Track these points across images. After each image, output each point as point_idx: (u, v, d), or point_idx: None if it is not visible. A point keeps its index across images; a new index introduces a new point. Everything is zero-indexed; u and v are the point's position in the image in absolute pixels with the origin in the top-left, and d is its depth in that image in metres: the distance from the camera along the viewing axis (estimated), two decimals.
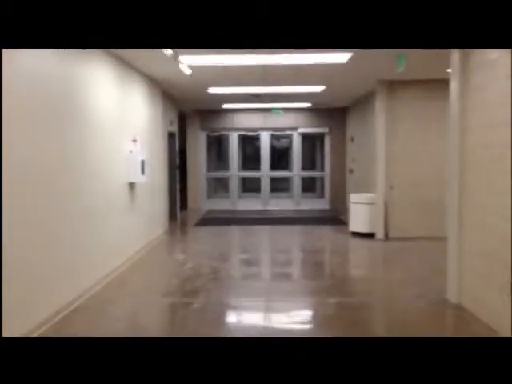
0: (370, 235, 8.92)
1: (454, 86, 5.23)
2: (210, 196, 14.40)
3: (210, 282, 6.03)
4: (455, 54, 5.15)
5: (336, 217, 11.85)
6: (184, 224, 11.10)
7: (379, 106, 8.84)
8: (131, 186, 7.24)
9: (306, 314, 4.99)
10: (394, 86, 8.79)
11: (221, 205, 13.91)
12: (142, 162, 7.36)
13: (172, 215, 11.04)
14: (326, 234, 9.69)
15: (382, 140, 8.83)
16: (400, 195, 8.85)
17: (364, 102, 10.98)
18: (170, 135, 10.70)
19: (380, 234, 8.83)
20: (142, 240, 7.85)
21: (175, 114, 11.10)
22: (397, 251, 7.96)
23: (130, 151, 7.12)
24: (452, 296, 5.17)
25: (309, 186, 14.55)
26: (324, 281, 6.06)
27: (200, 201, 13.87)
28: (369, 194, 9.21)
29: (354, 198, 9.26)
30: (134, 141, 7.40)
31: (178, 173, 11.37)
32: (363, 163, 11.22)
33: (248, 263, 7.24)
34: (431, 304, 5.11)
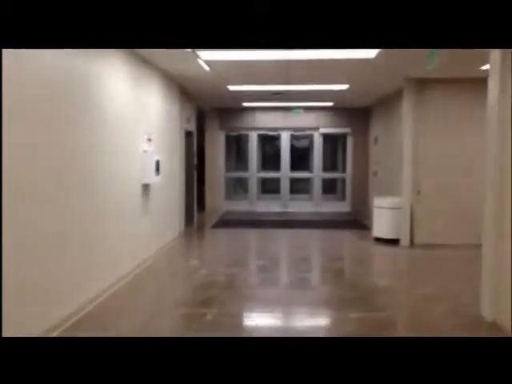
0: (394, 241, 8.49)
1: (492, 85, 4.79)
2: (228, 197, 14.09)
3: (225, 291, 5.69)
4: (495, 53, 4.71)
5: (358, 220, 11.41)
6: (201, 226, 10.80)
7: (406, 105, 8.39)
8: (145, 187, 6.94)
9: (324, 332, 4.61)
10: (422, 84, 8.32)
11: (239, 206, 13.59)
12: (157, 162, 7.06)
13: (189, 217, 10.75)
14: (347, 240, 9.28)
15: (409, 141, 8.38)
16: (427, 200, 8.39)
17: (389, 101, 10.53)
18: (188, 134, 10.40)
19: (405, 241, 8.39)
20: (155, 244, 7.55)
21: (193, 112, 10.80)
22: (424, 260, 7.51)
23: (145, 151, 6.82)
24: (487, 312, 4.74)
25: (329, 187, 14.13)
26: (346, 292, 5.66)
27: (218, 201, 13.56)
28: (394, 198, 8.77)
29: (378, 201, 8.83)
30: (149, 140, 7.10)
31: (195, 173, 11.07)
32: (388, 165, 10.77)
33: (265, 270, 6.87)
34: (463, 321, 4.68)
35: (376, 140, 12.08)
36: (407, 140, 8.38)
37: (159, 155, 7.27)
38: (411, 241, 8.41)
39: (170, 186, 8.54)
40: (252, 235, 9.77)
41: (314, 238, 9.53)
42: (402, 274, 6.82)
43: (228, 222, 11.30)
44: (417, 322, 4.83)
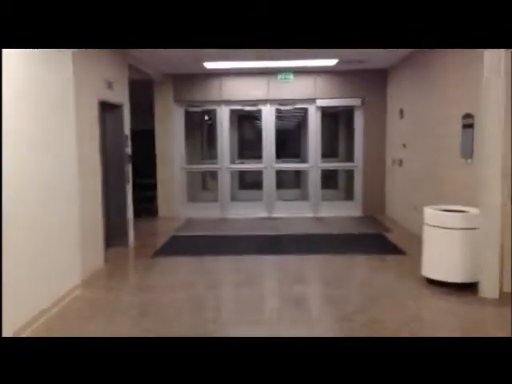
0: (465, 288, 4.73)
1: None
2: (192, 198, 10.21)
3: None
4: None
5: (379, 236, 7.57)
6: (138, 251, 6.88)
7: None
8: None
9: None
10: None
11: (206, 211, 9.72)
12: None
13: (117, 236, 6.88)
14: (375, 281, 5.38)
15: (498, 111, 4.53)
16: None
17: (425, 54, 6.69)
18: (109, 107, 6.49)
19: (489, 289, 4.61)
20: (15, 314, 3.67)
21: (121, 74, 6.83)
22: None
23: None
24: None
25: (328, 180, 10.32)
26: None
27: (176, 206, 9.65)
28: (467, 211, 4.98)
29: (431, 215, 5.01)
30: None
31: (130, 167, 7.16)
32: (425, 151, 6.97)
33: None
34: None
35: (402, 113, 8.24)
36: (495, 109, 4.54)
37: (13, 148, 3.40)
38: (500, 288, 4.63)
39: (58, 192, 4.65)
40: (213, 276, 5.81)
41: (315, 278, 5.72)
42: None
43: (182, 242, 7.42)
44: None
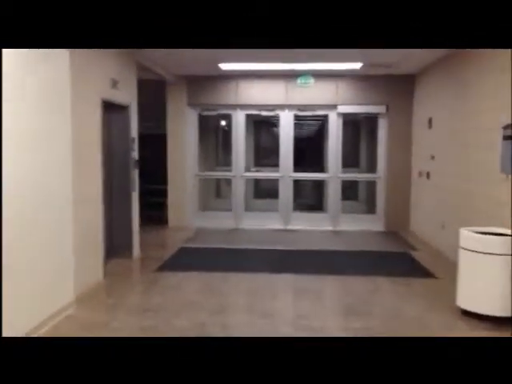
0: (507, 321, 4.12)
1: None
2: (204, 206, 9.73)
3: None
4: None
5: (405, 255, 6.96)
6: (142, 264, 6.39)
7: None
8: None
9: None
10: None
11: (219, 220, 9.20)
12: None
13: (121, 246, 6.41)
14: (403, 311, 4.75)
15: None
16: None
17: (458, 58, 6.09)
18: (115, 108, 6.03)
19: None
20: None
21: (129, 72, 6.37)
22: None
23: None
24: None
25: (348, 191, 9.74)
26: None
27: (187, 214, 9.15)
28: (509, 234, 4.37)
29: (468, 238, 4.41)
30: None
31: (136, 173, 6.69)
32: (456, 163, 6.36)
33: None
34: None
35: (430, 123, 7.64)
36: None
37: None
38: None
39: (45, 204, 4.17)
40: (222, 298, 5.26)
41: (334, 305, 5.13)
42: None
43: (191, 254, 6.91)
44: None
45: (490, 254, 4.18)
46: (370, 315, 4.61)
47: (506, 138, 5.07)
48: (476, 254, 4.26)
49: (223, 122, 10.48)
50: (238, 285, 5.57)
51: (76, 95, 4.66)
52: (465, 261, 4.40)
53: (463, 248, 4.41)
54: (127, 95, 6.28)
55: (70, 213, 4.61)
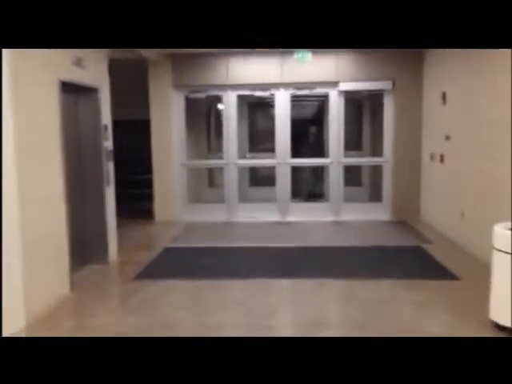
0: None
1: None
2: (196, 197, 8.92)
3: None
4: None
5: (419, 249, 6.13)
6: (119, 271, 5.58)
7: None
8: None
9: None
10: None
11: (211, 213, 8.39)
12: None
13: (95, 250, 5.63)
14: (422, 326, 3.98)
15: None
16: None
17: None
18: (85, 91, 5.19)
19: None
20: None
21: (99, 50, 5.49)
22: None
23: None
24: None
25: (350, 176, 8.89)
26: None
27: (176, 208, 8.33)
28: None
29: (503, 236, 3.58)
30: None
31: (111, 165, 5.86)
32: (475, 143, 5.52)
33: None
34: None
35: (444, 98, 6.75)
36: None
37: None
38: None
39: None
40: (208, 316, 4.46)
41: (338, 319, 4.32)
42: None
43: (176, 257, 6.09)
44: None
45: None
46: (380, 334, 3.79)
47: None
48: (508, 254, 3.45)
49: (220, 106, 9.59)
50: (229, 296, 4.74)
51: (18, 75, 3.80)
52: (500, 264, 3.58)
53: (498, 249, 3.59)
54: (96, 76, 5.42)
55: (16, 217, 3.79)
